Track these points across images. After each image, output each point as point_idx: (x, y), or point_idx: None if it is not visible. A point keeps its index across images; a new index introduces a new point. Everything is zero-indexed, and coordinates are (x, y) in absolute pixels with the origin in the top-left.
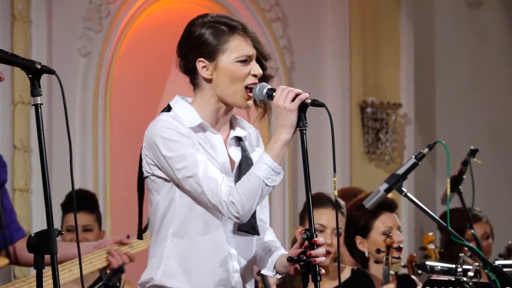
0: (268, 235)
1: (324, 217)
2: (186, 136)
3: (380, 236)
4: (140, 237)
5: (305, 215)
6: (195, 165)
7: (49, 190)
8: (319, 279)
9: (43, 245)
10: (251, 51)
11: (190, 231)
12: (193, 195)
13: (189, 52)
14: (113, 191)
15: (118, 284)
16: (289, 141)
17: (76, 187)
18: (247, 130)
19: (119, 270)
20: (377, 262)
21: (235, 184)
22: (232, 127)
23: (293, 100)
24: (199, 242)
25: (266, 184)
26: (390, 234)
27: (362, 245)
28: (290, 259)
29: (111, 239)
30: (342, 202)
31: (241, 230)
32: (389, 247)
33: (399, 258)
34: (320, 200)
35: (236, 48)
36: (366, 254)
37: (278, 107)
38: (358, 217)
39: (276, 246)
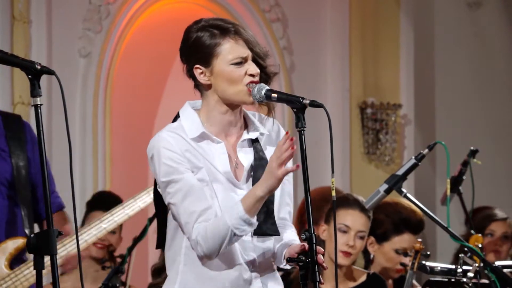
0: (288, 233)
1: (349, 218)
2: (179, 156)
3: (391, 251)
4: (159, 247)
5: (331, 213)
6: (179, 194)
7: (49, 191)
8: (318, 280)
9: (42, 246)
10: (245, 53)
11: None
12: (174, 219)
13: (188, 59)
14: (113, 191)
15: (117, 285)
16: (264, 199)
17: (76, 188)
18: (263, 128)
19: (119, 271)
20: (403, 265)
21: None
22: (246, 127)
23: (281, 165)
24: None
25: (235, 234)
26: (401, 254)
27: (372, 246)
28: (289, 260)
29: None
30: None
31: (257, 234)
32: (417, 252)
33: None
34: (348, 201)
35: (228, 50)
36: (372, 256)
37: (271, 163)
38: (382, 223)
39: (292, 239)
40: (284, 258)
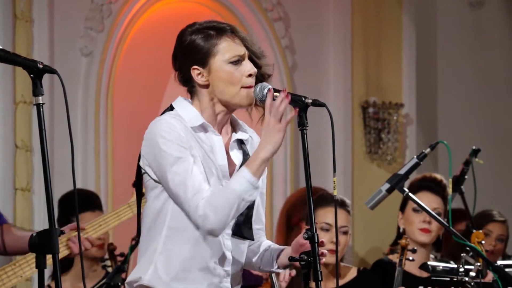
0: (267, 241)
1: (330, 216)
2: (184, 138)
3: (410, 211)
4: (138, 235)
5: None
6: (185, 173)
7: (50, 190)
8: (320, 279)
9: (44, 245)
10: (242, 51)
11: (185, 234)
12: (176, 201)
13: (183, 62)
14: (115, 190)
15: (120, 284)
16: (269, 159)
17: (78, 186)
18: (249, 133)
19: (121, 270)
20: (390, 262)
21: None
22: (234, 130)
23: (280, 120)
24: (192, 246)
25: (243, 199)
26: (421, 212)
27: (400, 220)
28: (291, 259)
29: (67, 227)
30: (348, 201)
31: (235, 235)
32: (403, 248)
33: (412, 260)
34: (325, 199)
35: (225, 49)
36: (401, 229)
37: (268, 125)
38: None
39: (274, 245)
40: (276, 262)
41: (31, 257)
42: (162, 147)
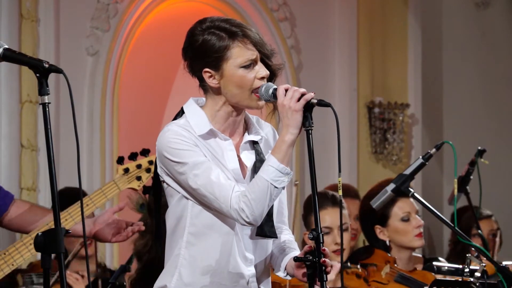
0: (285, 235)
1: (327, 218)
2: (193, 144)
3: (399, 222)
4: (158, 241)
5: (308, 218)
6: (207, 173)
7: (56, 189)
8: (325, 279)
9: (50, 244)
10: (254, 55)
11: (205, 239)
12: (205, 202)
13: (194, 61)
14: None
15: (124, 284)
16: (295, 142)
17: (84, 186)
18: (262, 132)
19: (126, 270)
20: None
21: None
22: (247, 129)
23: (298, 100)
24: (214, 250)
25: (275, 186)
26: (409, 219)
27: (382, 234)
28: (296, 259)
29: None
30: (338, 196)
31: (259, 235)
32: None
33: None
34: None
35: (237, 54)
36: (387, 242)
37: (283, 107)
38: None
39: (291, 247)
40: (285, 269)
41: (19, 245)
42: (175, 159)
